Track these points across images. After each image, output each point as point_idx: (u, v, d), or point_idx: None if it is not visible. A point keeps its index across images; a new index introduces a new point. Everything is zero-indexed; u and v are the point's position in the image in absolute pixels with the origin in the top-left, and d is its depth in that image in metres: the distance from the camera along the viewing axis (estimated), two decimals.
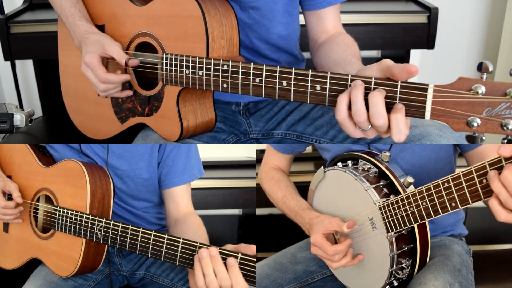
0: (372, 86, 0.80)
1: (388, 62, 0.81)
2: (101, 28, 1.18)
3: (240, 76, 0.95)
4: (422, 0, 1.82)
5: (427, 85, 0.76)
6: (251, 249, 0.84)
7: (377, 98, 0.77)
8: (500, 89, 0.71)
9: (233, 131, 1.25)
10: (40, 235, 1.16)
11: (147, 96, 1.13)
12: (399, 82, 0.78)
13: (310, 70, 0.86)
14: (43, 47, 1.67)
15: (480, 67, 0.72)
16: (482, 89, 0.71)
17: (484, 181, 0.74)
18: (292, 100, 0.89)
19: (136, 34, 1.12)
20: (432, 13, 1.73)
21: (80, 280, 1.15)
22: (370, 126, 0.80)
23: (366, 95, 0.80)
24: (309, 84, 0.86)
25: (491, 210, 0.74)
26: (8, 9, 1.79)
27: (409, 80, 0.79)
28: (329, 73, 0.84)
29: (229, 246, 0.86)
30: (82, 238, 1.05)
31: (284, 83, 0.89)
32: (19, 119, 1.58)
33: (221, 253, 0.84)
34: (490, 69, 0.71)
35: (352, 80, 0.82)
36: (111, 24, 1.17)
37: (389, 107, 0.78)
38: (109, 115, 1.22)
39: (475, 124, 0.72)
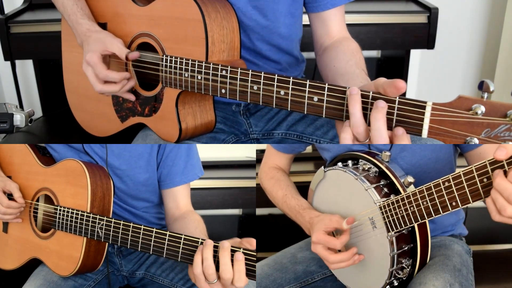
0: (370, 99, 0.80)
1: (382, 79, 0.80)
2: (103, 26, 1.18)
3: (238, 82, 0.94)
4: (422, 0, 1.82)
5: (425, 102, 0.75)
6: (251, 243, 0.85)
7: (380, 121, 0.77)
8: (500, 110, 0.69)
9: (233, 131, 1.26)
10: (40, 234, 1.16)
11: (147, 96, 1.13)
12: (397, 98, 0.77)
13: (308, 80, 0.85)
14: (43, 47, 1.67)
15: (481, 86, 0.70)
16: (481, 109, 0.70)
17: (485, 180, 0.74)
18: (289, 109, 0.89)
19: (137, 34, 1.12)
20: (432, 13, 1.73)
21: (80, 280, 1.15)
22: (368, 140, 0.80)
23: (365, 109, 0.80)
24: (306, 95, 0.86)
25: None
26: (8, 9, 1.79)
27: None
28: (327, 84, 0.84)
29: (236, 241, 0.87)
30: (83, 237, 1.05)
31: (282, 92, 0.88)
32: (19, 119, 1.58)
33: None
34: (491, 88, 0.70)
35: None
36: (113, 23, 1.17)
37: (388, 124, 0.78)
38: (110, 113, 1.22)
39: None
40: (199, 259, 0.85)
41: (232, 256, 0.83)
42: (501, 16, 2.21)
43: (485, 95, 0.71)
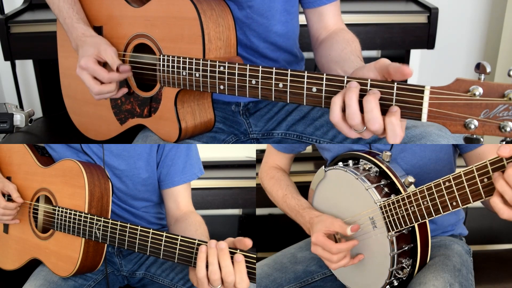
0: (368, 87, 0.80)
1: (385, 61, 0.80)
2: (99, 29, 1.18)
3: (236, 77, 0.94)
4: (422, 0, 1.82)
5: (423, 86, 0.75)
6: (245, 243, 0.83)
7: (371, 103, 0.77)
8: (498, 91, 0.70)
9: (233, 131, 1.25)
10: (40, 235, 1.16)
11: (146, 97, 1.13)
12: (395, 83, 0.77)
13: (305, 72, 0.86)
14: (43, 47, 1.67)
15: (478, 68, 0.71)
16: (479, 90, 0.71)
17: (485, 180, 0.74)
18: (288, 101, 0.89)
19: (134, 35, 1.12)
20: (432, 13, 1.73)
21: (80, 280, 1.15)
22: (365, 128, 0.80)
23: (361, 96, 0.79)
24: (305, 86, 0.86)
25: (492, 209, 0.74)
26: (8, 9, 1.79)
27: (408, 81, 0.79)
28: (325, 74, 0.84)
29: (229, 240, 0.86)
30: (81, 237, 1.05)
31: (280, 85, 0.89)
32: (19, 119, 1.58)
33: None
34: (488, 70, 0.70)
35: (348, 82, 0.81)
36: (109, 25, 1.17)
37: (385, 109, 0.78)
38: (109, 116, 1.22)
39: (473, 126, 0.72)
40: (203, 262, 0.84)
41: (231, 258, 0.83)
42: (501, 16, 2.20)
43: (482, 76, 0.71)
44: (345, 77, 0.82)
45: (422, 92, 0.75)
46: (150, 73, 1.10)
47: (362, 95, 0.79)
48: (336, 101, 0.81)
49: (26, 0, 1.83)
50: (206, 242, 0.86)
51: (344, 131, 0.82)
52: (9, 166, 1.23)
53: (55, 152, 1.17)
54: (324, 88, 0.84)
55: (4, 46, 1.67)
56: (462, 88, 0.72)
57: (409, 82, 2.03)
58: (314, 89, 0.85)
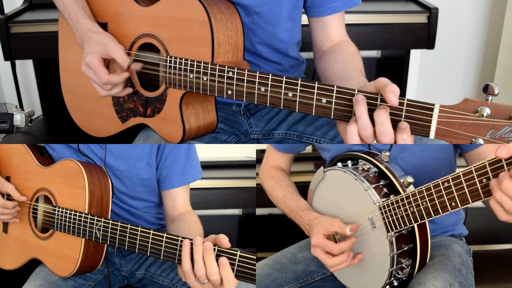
0: (378, 102, 0.81)
1: (383, 81, 0.81)
2: (104, 26, 1.17)
3: (245, 84, 0.94)
4: (422, 0, 1.82)
5: (433, 105, 0.77)
6: (222, 244, 0.84)
7: (383, 116, 0.79)
8: (505, 113, 0.72)
9: (233, 131, 1.25)
10: (40, 235, 1.16)
11: (150, 97, 1.13)
12: (405, 100, 0.79)
13: (316, 83, 0.86)
14: (43, 47, 1.67)
15: (486, 89, 0.73)
16: (487, 111, 0.73)
17: (484, 180, 0.74)
18: (297, 111, 0.89)
19: (140, 34, 1.12)
20: (432, 13, 1.73)
21: (80, 280, 1.15)
22: (375, 141, 0.80)
23: (370, 110, 0.81)
24: (314, 97, 0.86)
25: (491, 210, 0.74)
26: (8, 9, 1.79)
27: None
28: (335, 86, 0.85)
29: (211, 237, 0.87)
30: (81, 237, 1.05)
31: (290, 94, 0.89)
32: (19, 119, 1.58)
33: (219, 251, 0.85)
34: (496, 91, 0.73)
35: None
36: (114, 22, 1.16)
37: (394, 125, 0.79)
38: (110, 113, 1.21)
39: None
40: (187, 255, 0.85)
41: (217, 259, 0.83)
42: (501, 16, 2.20)
43: (490, 97, 0.73)
44: (356, 90, 0.83)
45: (432, 110, 0.77)
46: (155, 73, 1.10)
47: (371, 109, 0.81)
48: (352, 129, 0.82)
49: (26, 0, 1.83)
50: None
51: (353, 140, 0.83)
52: (9, 166, 1.23)
53: (55, 152, 1.17)
54: (334, 100, 0.85)
55: (4, 46, 1.67)
56: (470, 108, 0.75)
57: (409, 81, 2.04)
58: (324, 101, 0.86)
